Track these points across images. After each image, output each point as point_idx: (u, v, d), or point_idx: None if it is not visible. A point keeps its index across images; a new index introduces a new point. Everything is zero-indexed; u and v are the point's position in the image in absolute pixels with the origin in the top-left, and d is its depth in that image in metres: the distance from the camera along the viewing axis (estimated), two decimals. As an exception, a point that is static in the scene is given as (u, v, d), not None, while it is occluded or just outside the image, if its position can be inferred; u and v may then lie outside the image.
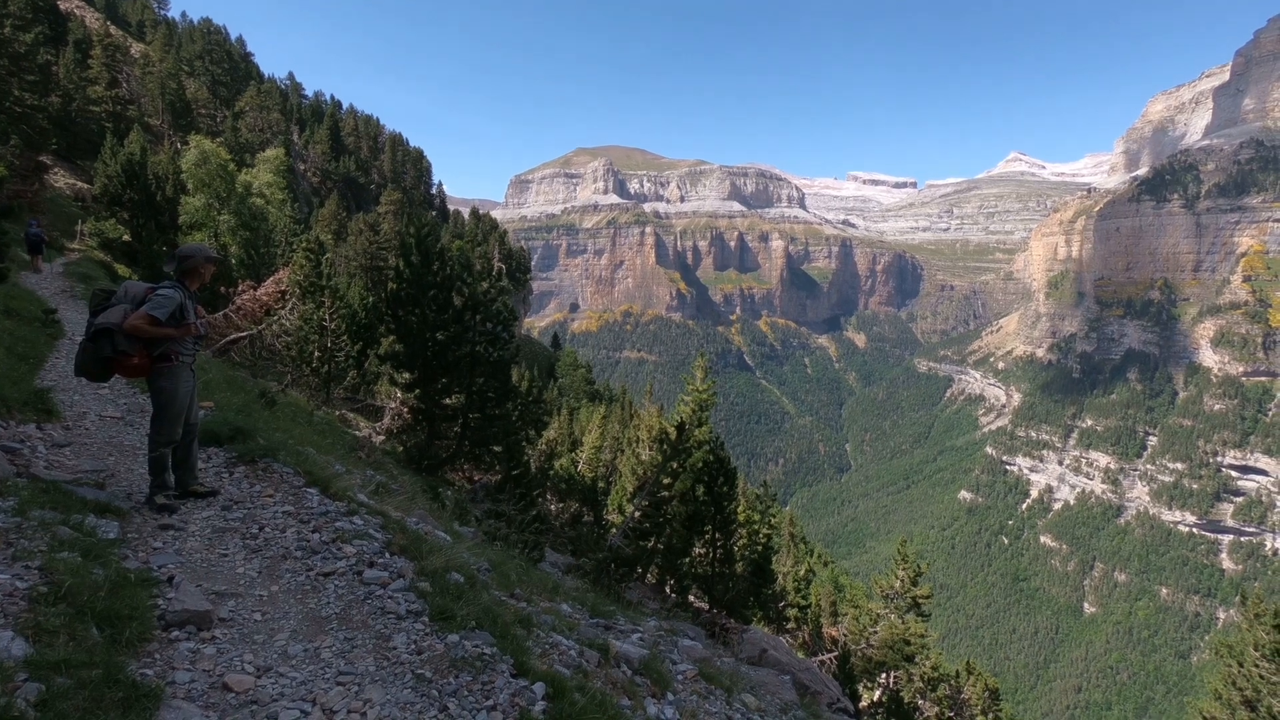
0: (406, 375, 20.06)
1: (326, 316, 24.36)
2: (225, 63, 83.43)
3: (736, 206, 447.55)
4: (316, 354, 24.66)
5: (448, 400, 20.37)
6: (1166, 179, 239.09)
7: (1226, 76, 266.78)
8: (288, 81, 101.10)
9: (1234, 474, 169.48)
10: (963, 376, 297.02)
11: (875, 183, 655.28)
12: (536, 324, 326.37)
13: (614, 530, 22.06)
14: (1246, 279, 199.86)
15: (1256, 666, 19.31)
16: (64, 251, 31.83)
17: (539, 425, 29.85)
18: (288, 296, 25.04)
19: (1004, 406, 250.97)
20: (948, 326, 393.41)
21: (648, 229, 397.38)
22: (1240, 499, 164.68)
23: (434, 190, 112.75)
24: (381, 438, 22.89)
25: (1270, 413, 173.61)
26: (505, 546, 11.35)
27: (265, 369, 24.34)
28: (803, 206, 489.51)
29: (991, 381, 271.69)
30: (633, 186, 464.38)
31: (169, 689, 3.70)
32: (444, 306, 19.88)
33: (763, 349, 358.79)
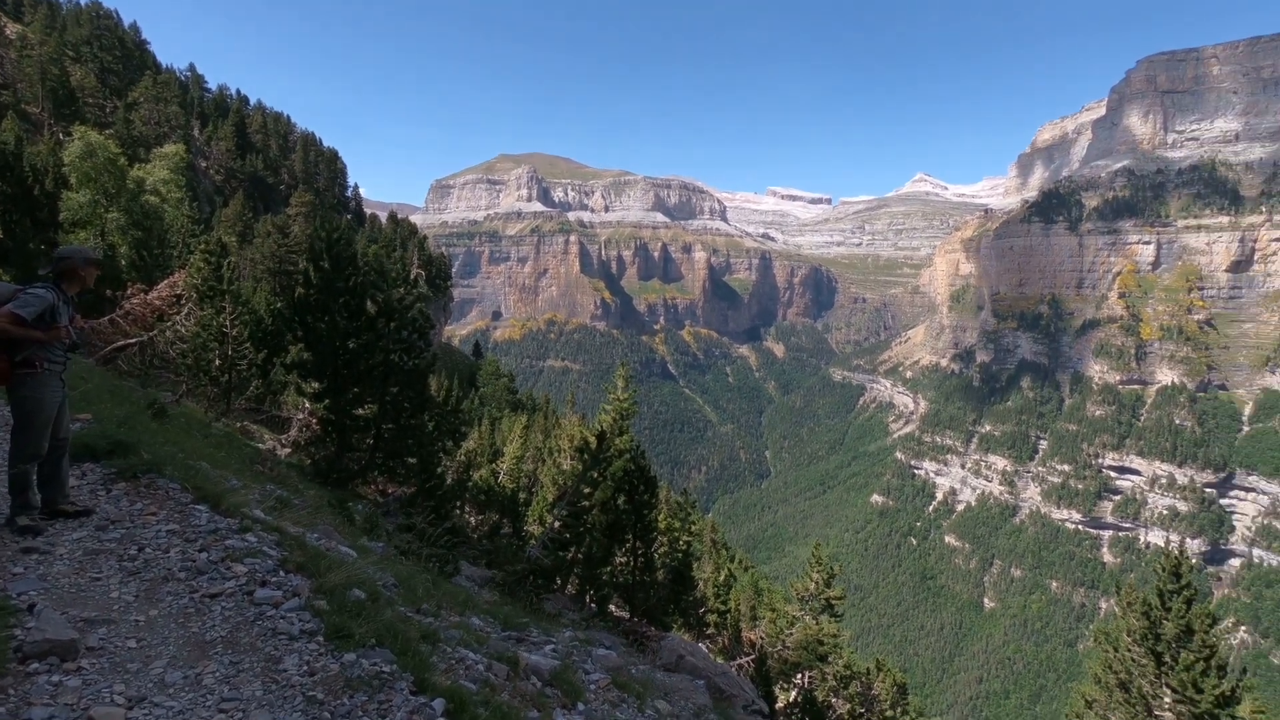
0: (315, 385, 19.17)
1: (227, 322, 22.98)
2: (117, 50, 77.68)
3: (660, 217, 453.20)
4: (216, 362, 23.20)
5: (360, 410, 19.59)
6: (1053, 202, 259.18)
7: (1103, 110, 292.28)
8: (188, 73, 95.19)
9: (1112, 474, 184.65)
10: (874, 385, 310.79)
11: (793, 198, 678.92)
12: (458, 332, 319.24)
13: (534, 541, 21.78)
14: (1122, 295, 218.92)
15: (1129, 651, 21.03)
16: (-80, 248, 28.73)
17: (457, 436, 29.10)
18: (184, 301, 23.49)
19: (912, 413, 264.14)
20: (860, 337, 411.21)
21: (572, 238, 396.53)
22: (1118, 497, 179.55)
23: (349, 193, 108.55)
24: (287, 450, 21.77)
25: (1142, 417, 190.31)
26: (417, 561, 11.01)
27: (157, 379, 22.69)
28: (724, 219, 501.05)
29: (900, 390, 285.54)
30: (557, 195, 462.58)
31: (23, 727, 3.39)
32: (356, 313, 19.16)
33: (686, 358, 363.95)
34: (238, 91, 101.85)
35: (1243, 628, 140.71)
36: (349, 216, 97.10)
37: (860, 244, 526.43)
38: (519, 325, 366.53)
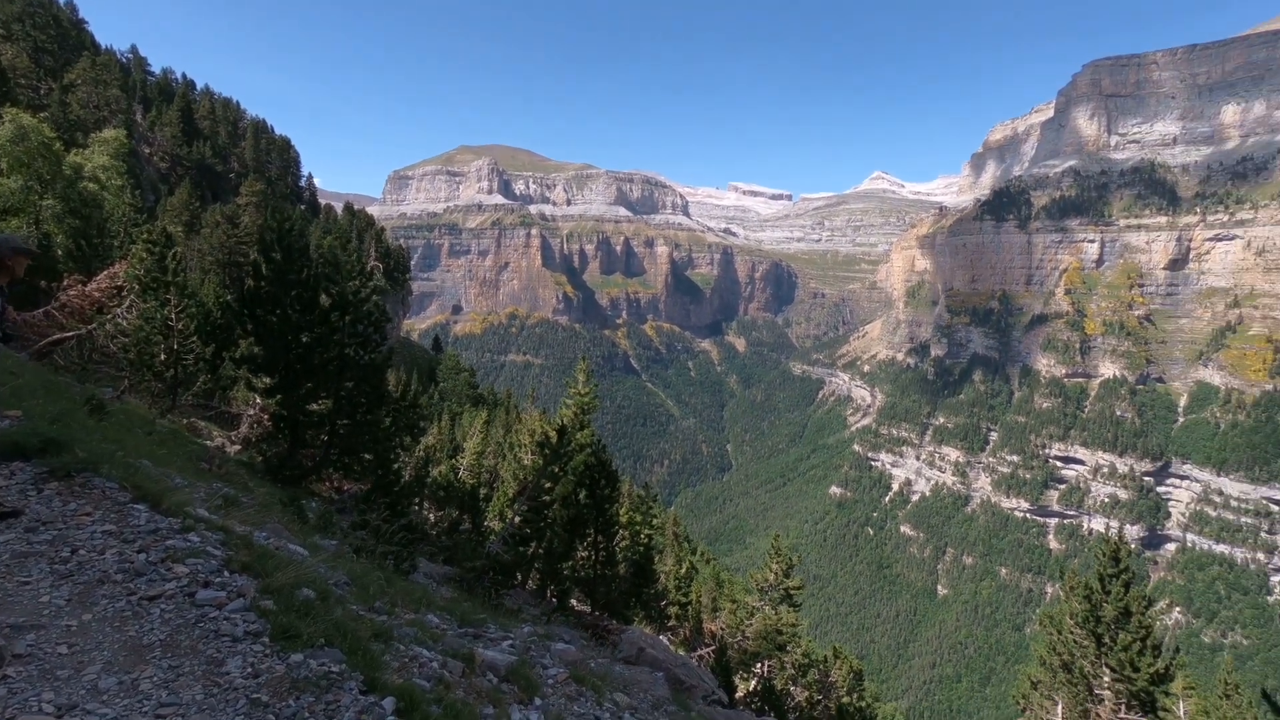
0: (266, 380, 18.64)
1: (173, 315, 22.14)
2: (51, 29, 73.84)
3: (623, 211, 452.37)
4: (161, 357, 22.33)
5: (313, 406, 19.12)
6: (1004, 201, 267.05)
7: (1051, 112, 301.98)
8: (129, 55, 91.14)
9: (1058, 464, 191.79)
10: (833, 379, 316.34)
11: (754, 194, 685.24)
12: (417, 326, 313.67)
13: (494, 537, 21.61)
14: (1068, 292, 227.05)
15: (1072, 634, 21.90)
16: None
17: (415, 431, 28.66)
18: (125, 293, 22.56)
19: (869, 406, 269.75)
20: (820, 332, 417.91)
21: (534, 231, 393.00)
22: (1063, 486, 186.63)
23: (303, 182, 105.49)
24: (237, 447, 21.14)
25: (1086, 409, 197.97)
26: (372, 559, 10.81)
27: (97, 374, 21.75)
28: (686, 214, 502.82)
29: (858, 383, 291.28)
30: (518, 187, 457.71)
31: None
32: (309, 306, 18.66)
33: (648, 353, 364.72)
34: (183, 76, 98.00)
35: (1177, 609, 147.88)
36: (302, 207, 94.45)
37: (820, 240, 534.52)
38: (480, 319, 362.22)
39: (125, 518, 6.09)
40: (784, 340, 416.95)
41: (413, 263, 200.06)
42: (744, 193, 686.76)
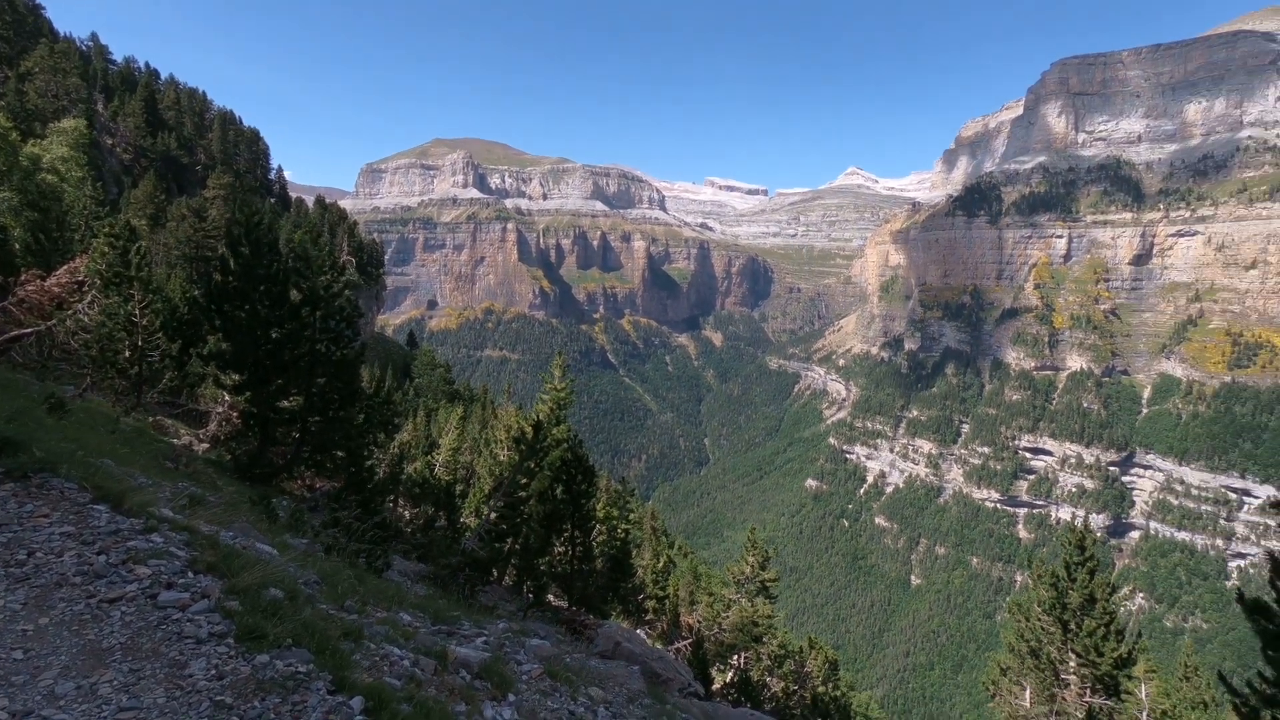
0: (235, 376, 18.30)
1: (137, 311, 21.61)
2: (7, 14, 71.44)
3: (599, 206, 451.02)
4: (125, 354, 21.80)
5: (284, 403, 18.82)
6: (975, 197, 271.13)
7: (1021, 109, 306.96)
8: (90, 43, 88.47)
9: (1028, 455, 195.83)
10: (809, 373, 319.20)
11: (730, 189, 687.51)
12: (391, 321, 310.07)
13: (469, 534, 21.48)
14: (1037, 287, 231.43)
15: (1039, 620, 22.41)
16: None
17: (390, 428, 28.40)
18: (86, 288, 21.94)
19: (844, 400, 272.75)
20: (796, 326, 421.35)
21: (509, 225, 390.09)
22: (1032, 476, 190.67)
23: (273, 175, 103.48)
24: (206, 446, 20.74)
25: (1054, 401, 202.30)
26: (344, 557, 10.68)
27: (57, 371, 21.16)
28: (663, 209, 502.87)
29: (834, 377, 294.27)
30: (494, 181, 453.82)
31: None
32: (279, 302, 18.35)
33: (626, 347, 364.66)
34: (147, 65, 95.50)
35: (1140, 595, 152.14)
36: (272, 200, 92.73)
37: (795, 235, 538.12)
38: (455, 314, 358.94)
39: (85, 519, 5.94)
40: (760, 335, 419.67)
41: (386, 257, 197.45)
42: (720, 187, 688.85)
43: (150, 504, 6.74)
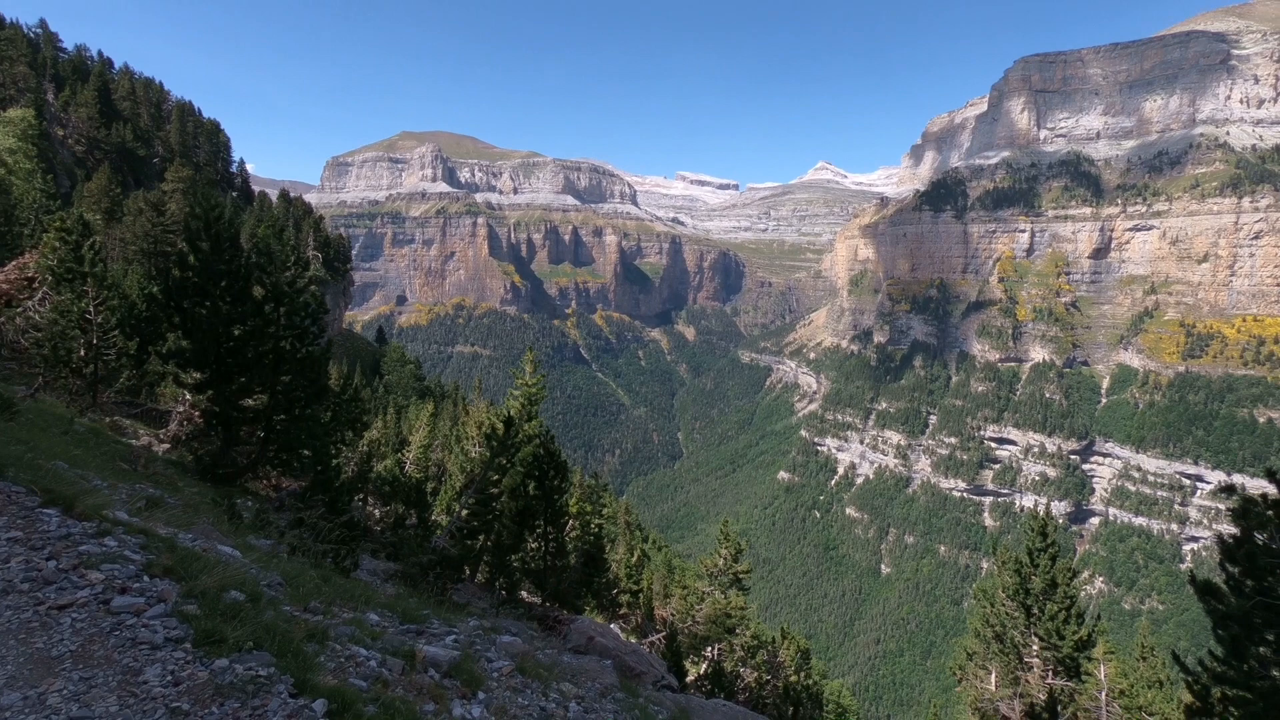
0: (196, 375, 17.83)
1: (91, 308, 20.93)
2: (-52, -1, 68.47)
3: (570, 200, 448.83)
4: (80, 352, 21.11)
5: (248, 401, 18.41)
6: (941, 192, 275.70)
7: (985, 106, 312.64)
8: (38, 30, 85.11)
9: (993, 445, 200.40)
10: (780, 366, 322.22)
11: (702, 183, 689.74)
12: (359, 317, 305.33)
13: (440, 531, 21.27)
14: (1001, 280, 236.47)
15: (1003, 606, 22.97)
16: None
17: (358, 426, 27.93)
18: (36, 284, 21.20)
19: (815, 393, 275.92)
20: (767, 320, 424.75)
21: (480, 220, 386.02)
22: (997, 466, 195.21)
23: (234, 168, 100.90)
24: (166, 446, 20.19)
25: (1018, 392, 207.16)
26: (310, 558, 10.49)
27: (6, 370, 20.42)
28: (634, 203, 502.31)
29: (805, 370, 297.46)
30: (463, 175, 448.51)
31: None
32: (241, 298, 17.91)
33: (598, 342, 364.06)
34: (100, 53, 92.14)
35: (1100, 579, 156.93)
36: (234, 194, 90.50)
37: (766, 230, 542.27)
38: (425, 310, 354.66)
39: (33, 523, 5.73)
40: (733, 329, 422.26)
41: (354, 252, 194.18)
42: (691, 182, 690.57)
43: (104, 507, 6.53)
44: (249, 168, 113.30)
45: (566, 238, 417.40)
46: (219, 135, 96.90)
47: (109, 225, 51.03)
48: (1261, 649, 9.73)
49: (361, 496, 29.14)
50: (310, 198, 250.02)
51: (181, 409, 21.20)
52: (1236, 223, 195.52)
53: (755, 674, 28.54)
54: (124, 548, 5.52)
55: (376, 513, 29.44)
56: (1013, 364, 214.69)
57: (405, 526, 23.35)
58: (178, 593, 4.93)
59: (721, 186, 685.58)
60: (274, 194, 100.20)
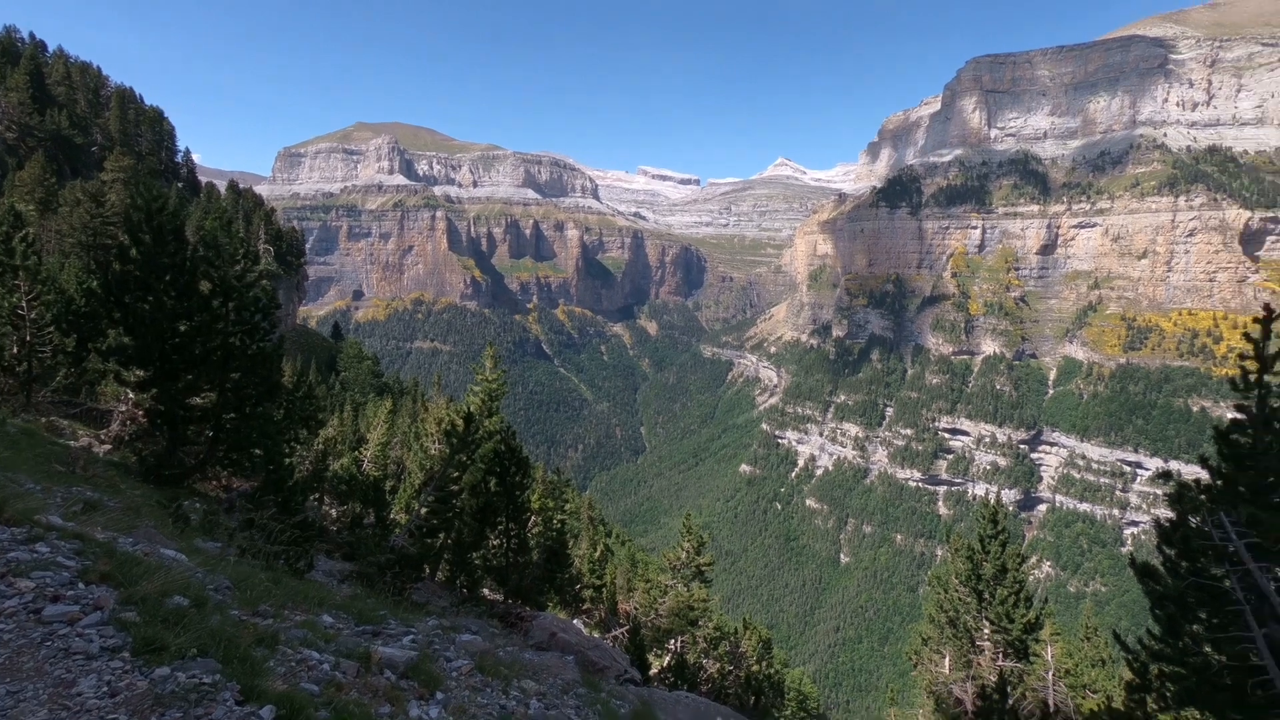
0: (139, 373, 17.14)
1: (23, 304, 19.99)
2: None
3: (531, 194, 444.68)
4: (14, 349, 20.16)
5: (197, 400, 17.78)
6: (897, 189, 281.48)
7: (939, 105, 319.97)
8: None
9: (946, 435, 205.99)
10: (742, 360, 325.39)
11: (663, 178, 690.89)
12: (314, 313, 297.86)
13: (399, 530, 20.91)
14: (954, 275, 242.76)
15: (956, 591, 23.65)
16: None
17: (313, 424, 27.22)
18: (-38, 279, 20.07)
19: (776, 386, 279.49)
20: (729, 315, 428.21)
21: (439, 213, 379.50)
22: (951, 456, 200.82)
23: (180, 158, 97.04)
24: (108, 447, 19.39)
25: (970, 384, 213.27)
26: (262, 560, 10.19)
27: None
28: (596, 197, 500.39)
29: (766, 364, 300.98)
30: (421, 168, 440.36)
31: None
32: (186, 292, 17.26)
33: (560, 337, 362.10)
34: (31, 35, 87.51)
35: (1047, 563, 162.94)
36: (179, 185, 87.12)
37: (727, 225, 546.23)
38: (383, 305, 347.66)
39: (-43, 530, 5.41)
40: (695, 323, 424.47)
41: (308, 246, 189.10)
42: (653, 176, 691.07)
43: (37, 511, 6.22)
44: (195, 158, 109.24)
45: (528, 232, 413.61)
46: (162, 123, 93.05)
47: (44, 216, 48.71)
48: (1195, 627, 10.20)
49: (317, 496, 28.48)
50: (261, 189, 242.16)
51: (124, 408, 20.42)
52: (1173, 221, 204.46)
53: (718, 665, 28.84)
54: (57, 554, 5.26)
55: (333, 512, 28.81)
56: (965, 357, 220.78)
57: (363, 526, 22.87)
58: (115, 599, 4.71)
59: (683, 181, 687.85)
60: (223, 185, 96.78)
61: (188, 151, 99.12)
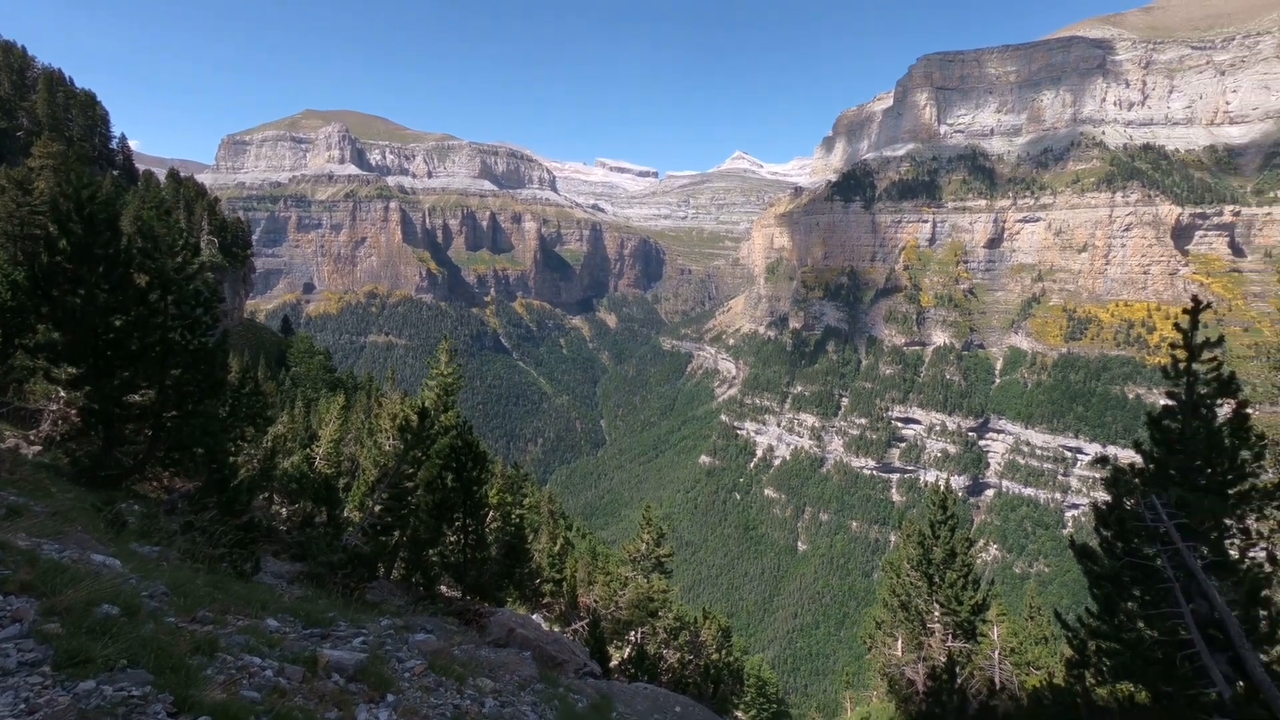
0: (71, 370, 16.33)
1: (-59, 297, 18.79)
2: None
3: (488, 185, 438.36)
4: (-70, 346, 18.98)
5: (135, 398, 17.02)
6: (851, 183, 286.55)
7: (891, 101, 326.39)
8: None
9: (899, 424, 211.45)
10: (701, 352, 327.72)
11: (621, 170, 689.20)
12: (263, 306, 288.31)
13: (351, 529, 20.45)
14: (906, 268, 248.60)
15: (908, 576, 24.31)
16: None
17: (260, 420, 26.36)
18: (-128, 270, 18.77)
19: (735, 378, 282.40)
20: (688, 307, 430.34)
21: (392, 204, 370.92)
22: (903, 444, 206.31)
23: (115, 145, 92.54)
24: (38, 448, 18.43)
25: (922, 374, 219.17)
26: (204, 564, 9.81)
27: None
28: (554, 189, 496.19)
29: (724, 356, 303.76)
30: (373, 158, 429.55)
31: None
32: (121, 285, 16.49)
33: (519, 330, 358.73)
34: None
35: (994, 546, 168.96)
36: (115, 173, 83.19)
37: (685, 217, 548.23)
38: (336, 298, 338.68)
39: None
40: (654, 316, 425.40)
41: (255, 237, 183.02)
42: (611, 169, 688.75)
43: (-49, 518, 5.85)
44: (133, 144, 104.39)
45: (484, 224, 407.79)
46: (95, 108, 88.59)
47: (-36, 205, 45.86)
48: (1129, 604, 10.69)
49: (266, 495, 27.64)
50: (204, 178, 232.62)
51: (55, 407, 19.50)
52: (1110, 215, 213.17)
53: (678, 655, 29.08)
54: (-28, 563, 4.95)
55: (284, 512, 28.01)
56: (917, 347, 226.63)
57: (314, 525, 22.29)
58: (36, 610, 4.45)
59: (641, 174, 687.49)
60: (162, 173, 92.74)
61: (124, 138, 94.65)
